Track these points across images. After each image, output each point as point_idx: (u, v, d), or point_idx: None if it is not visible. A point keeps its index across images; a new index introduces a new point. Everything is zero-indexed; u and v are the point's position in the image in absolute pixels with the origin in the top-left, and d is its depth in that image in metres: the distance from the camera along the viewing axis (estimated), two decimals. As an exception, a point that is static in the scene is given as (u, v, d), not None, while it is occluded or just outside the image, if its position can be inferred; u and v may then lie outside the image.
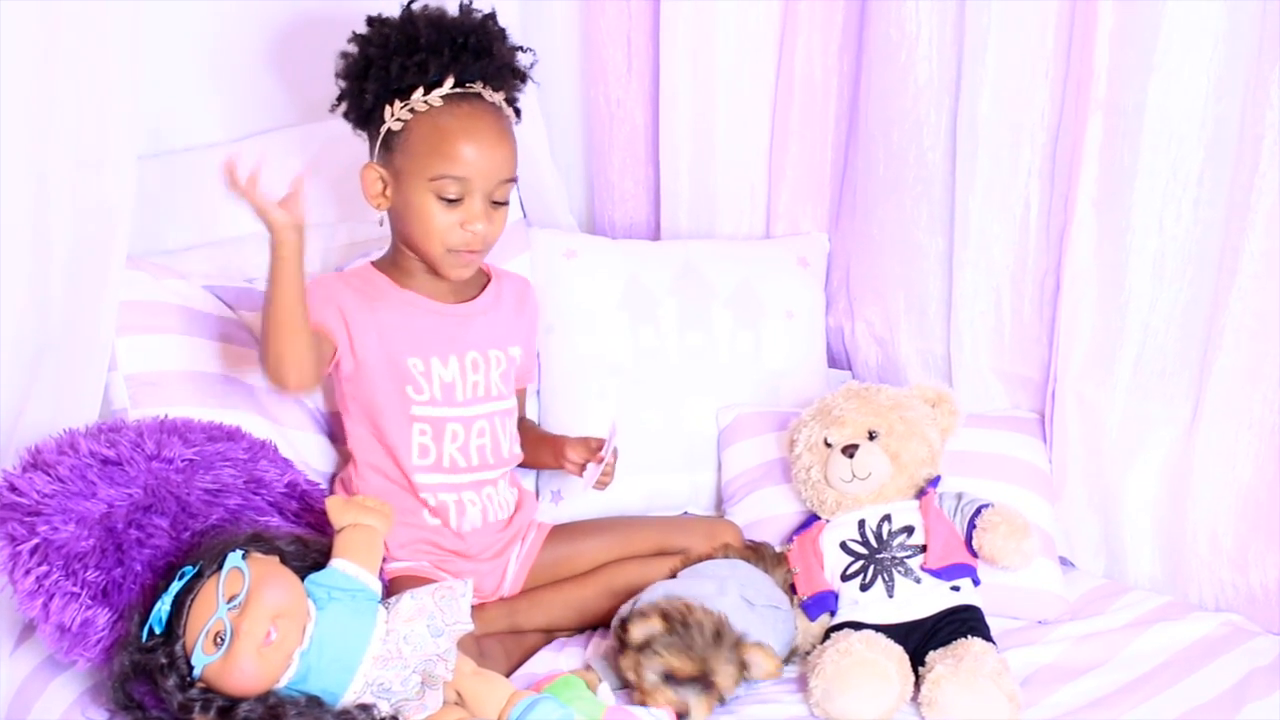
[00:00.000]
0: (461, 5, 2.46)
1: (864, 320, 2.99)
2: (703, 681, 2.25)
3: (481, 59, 2.41)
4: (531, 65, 2.52)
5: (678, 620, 2.27)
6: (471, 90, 2.41)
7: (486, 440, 2.53)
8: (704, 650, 2.26)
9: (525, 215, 2.99)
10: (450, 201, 2.39)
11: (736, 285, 2.91)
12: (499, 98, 2.44)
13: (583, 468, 2.56)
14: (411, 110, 2.38)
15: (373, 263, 2.53)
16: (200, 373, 2.50)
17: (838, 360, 3.06)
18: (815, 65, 2.92)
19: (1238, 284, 2.43)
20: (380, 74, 2.39)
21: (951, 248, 2.78)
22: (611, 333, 2.86)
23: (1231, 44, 2.39)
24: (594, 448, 2.56)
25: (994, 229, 2.73)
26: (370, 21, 2.43)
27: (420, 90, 2.38)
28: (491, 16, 2.46)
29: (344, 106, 2.46)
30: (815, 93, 2.95)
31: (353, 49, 2.43)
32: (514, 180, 2.44)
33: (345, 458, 2.59)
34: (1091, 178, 2.56)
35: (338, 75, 2.45)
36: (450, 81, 2.38)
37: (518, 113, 2.50)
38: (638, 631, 2.28)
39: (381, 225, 2.50)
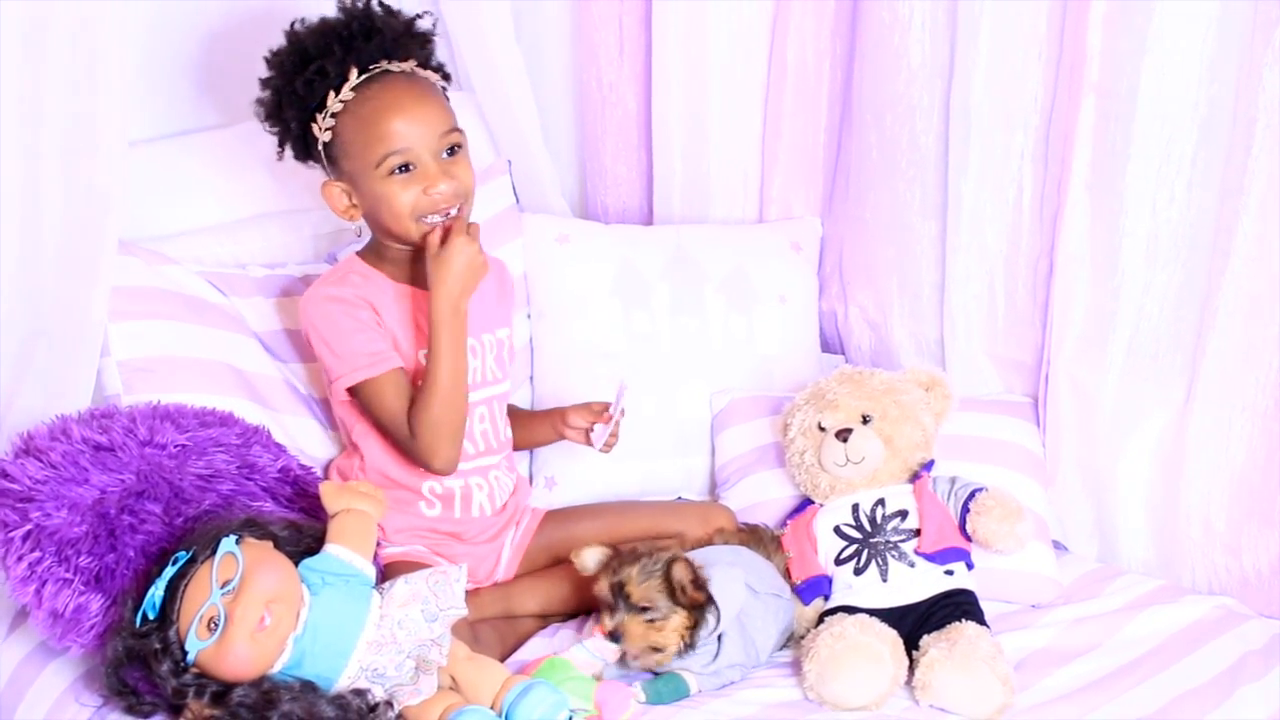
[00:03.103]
0: (339, 4, 2.47)
1: (857, 304, 2.99)
2: (623, 597, 2.29)
3: (372, 39, 2.42)
4: (434, 25, 2.51)
5: (619, 551, 2.35)
6: (376, 70, 2.41)
7: (487, 425, 2.54)
8: (621, 566, 2.31)
9: (518, 200, 2.98)
10: (406, 175, 2.39)
11: (729, 270, 2.91)
12: (408, 66, 2.44)
13: (587, 433, 2.57)
14: (333, 115, 2.40)
15: (359, 254, 2.52)
16: (193, 358, 2.49)
17: (831, 345, 3.06)
18: (808, 49, 2.92)
19: (1231, 266, 2.43)
20: (291, 99, 2.42)
21: (944, 231, 2.78)
22: (604, 318, 2.86)
23: (1224, 26, 2.39)
24: (597, 410, 2.58)
25: (987, 212, 2.73)
26: (267, 61, 2.45)
27: (331, 93, 2.39)
28: (368, 3, 2.46)
29: (287, 150, 2.48)
30: (808, 77, 2.94)
31: (265, 94, 2.45)
32: (457, 128, 2.43)
33: (340, 444, 2.59)
34: (1084, 161, 2.56)
35: (262, 121, 2.47)
36: (354, 72, 2.39)
37: (446, 76, 2.51)
38: (588, 558, 2.36)
39: (360, 235, 2.51)
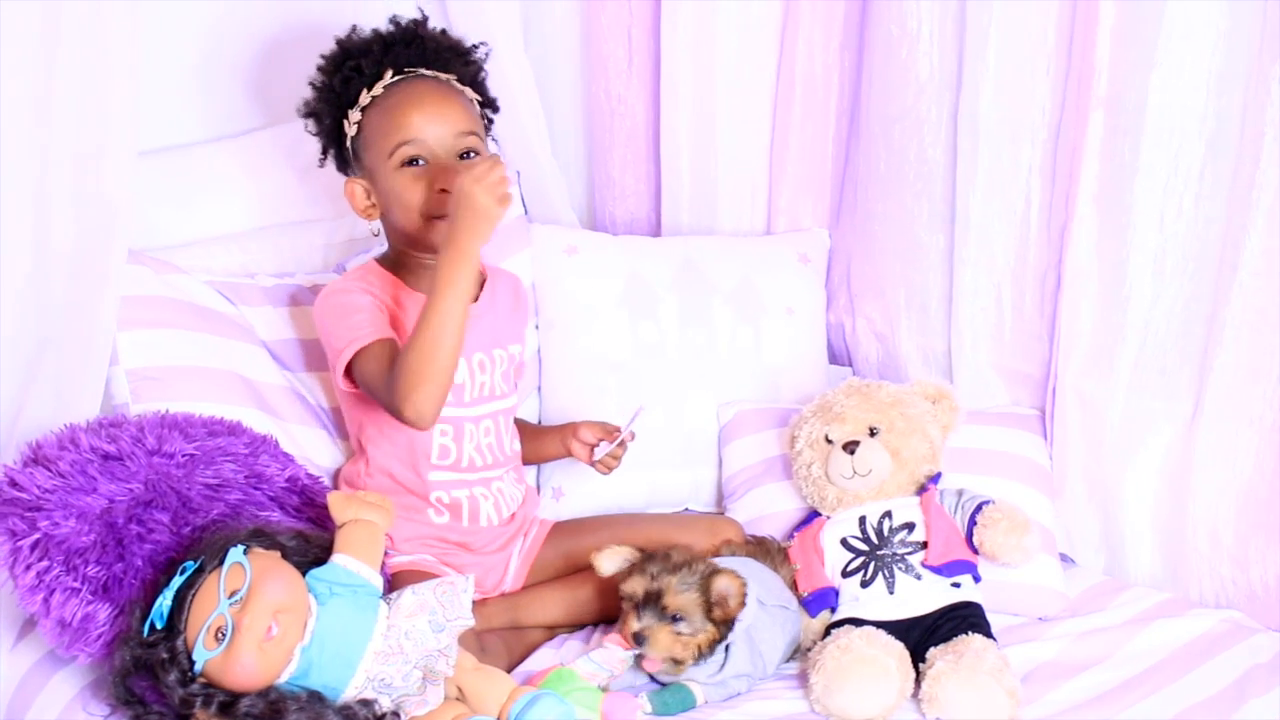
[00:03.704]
0: (391, 18, 2.51)
1: (864, 317, 2.99)
2: (657, 605, 2.27)
3: (413, 46, 2.46)
4: (486, 55, 2.55)
5: (653, 554, 2.33)
6: (411, 74, 2.45)
7: (492, 439, 2.54)
8: (660, 573, 2.29)
9: (526, 211, 2.99)
10: (417, 170, 2.40)
11: (737, 281, 2.91)
12: (447, 77, 2.47)
13: (593, 449, 2.57)
14: (361, 110, 2.43)
15: (377, 260, 2.53)
16: (201, 367, 2.50)
17: (838, 357, 3.06)
18: (816, 61, 2.93)
19: (1238, 280, 2.43)
20: (329, 95, 2.46)
21: (952, 244, 2.78)
22: (612, 329, 2.87)
23: (1232, 40, 2.39)
24: (610, 430, 2.58)
25: (995, 226, 2.73)
26: (319, 66, 2.49)
27: (365, 91, 2.43)
28: (422, 19, 2.51)
29: (330, 158, 2.51)
30: (816, 89, 2.95)
31: (310, 96, 2.50)
32: (475, 133, 2.45)
33: (348, 454, 2.59)
34: (1092, 174, 2.56)
35: (304, 118, 2.51)
36: (390, 73, 2.43)
37: (490, 104, 2.53)
38: (606, 562, 2.35)
39: (377, 235, 2.52)
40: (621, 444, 2.56)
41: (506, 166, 2.32)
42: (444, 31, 2.52)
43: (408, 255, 2.48)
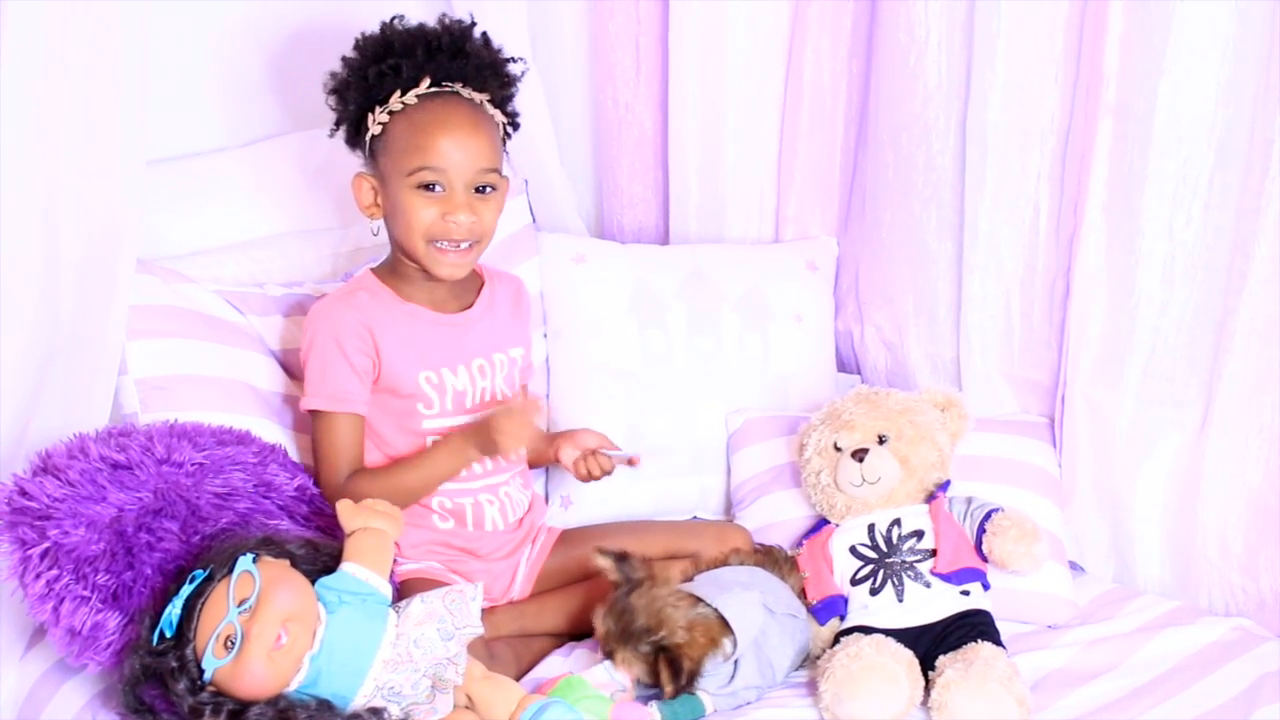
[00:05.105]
0: (440, 17, 2.49)
1: (873, 324, 2.99)
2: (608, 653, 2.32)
3: (457, 59, 2.44)
4: (522, 74, 2.53)
5: (628, 582, 2.33)
6: (448, 89, 2.43)
7: None
8: (608, 618, 2.31)
9: (534, 220, 2.99)
10: (431, 195, 2.39)
11: (745, 290, 2.91)
12: (480, 97, 2.45)
13: (588, 452, 2.57)
14: (390, 112, 2.41)
15: (373, 270, 2.53)
16: (210, 377, 2.50)
17: (846, 364, 3.06)
18: (824, 69, 2.93)
19: (1247, 288, 2.43)
20: (360, 84, 2.43)
21: (961, 252, 2.78)
22: (620, 337, 2.87)
23: (1241, 47, 2.39)
24: (608, 444, 2.58)
25: (1003, 233, 2.73)
26: (355, 42, 2.47)
27: (398, 92, 2.40)
28: (470, 24, 2.49)
29: (342, 131, 2.49)
30: (824, 97, 2.95)
31: (340, 70, 2.47)
32: (496, 170, 2.43)
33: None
34: (1101, 182, 2.56)
35: (328, 95, 2.48)
36: (426, 82, 2.41)
37: (514, 123, 2.51)
38: (602, 560, 2.38)
39: (376, 235, 2.51)
40: (606, 458, 2.56)
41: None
42: (487, 42, 2.48)
43: (403, 264, 2.48)
